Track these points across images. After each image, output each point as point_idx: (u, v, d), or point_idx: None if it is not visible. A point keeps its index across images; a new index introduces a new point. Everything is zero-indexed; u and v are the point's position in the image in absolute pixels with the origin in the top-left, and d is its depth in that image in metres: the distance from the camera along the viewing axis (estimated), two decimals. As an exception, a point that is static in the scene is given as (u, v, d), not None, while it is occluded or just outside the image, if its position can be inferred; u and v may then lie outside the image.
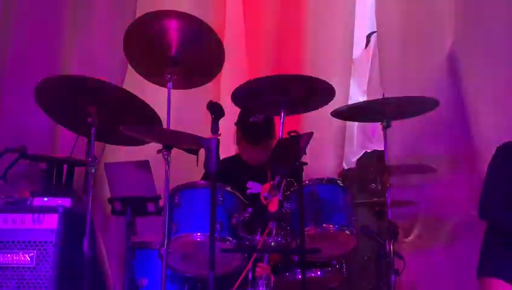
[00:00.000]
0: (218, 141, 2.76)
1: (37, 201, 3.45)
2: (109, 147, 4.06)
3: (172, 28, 3.25)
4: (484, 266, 3.38)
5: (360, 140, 4.63)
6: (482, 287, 3.38)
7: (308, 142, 2.95)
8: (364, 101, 4.17)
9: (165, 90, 3.29)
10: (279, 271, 3.23)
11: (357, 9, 4.54)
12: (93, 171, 3.13)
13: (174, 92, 3.30)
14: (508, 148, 3.43)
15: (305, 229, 2.96)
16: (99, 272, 3.72)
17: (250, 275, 3.06)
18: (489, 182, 3.40)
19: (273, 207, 3.00)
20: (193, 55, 3.32)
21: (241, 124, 3.71)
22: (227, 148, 3.81)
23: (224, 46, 3.40)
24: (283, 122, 3.23)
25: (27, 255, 3.28)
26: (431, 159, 3.86)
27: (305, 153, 2.99)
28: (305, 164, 2.99)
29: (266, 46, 4.60)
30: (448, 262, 4.08)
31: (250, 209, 3.13)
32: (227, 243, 3.03)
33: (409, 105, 3.45)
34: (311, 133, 2.94)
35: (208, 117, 2.86)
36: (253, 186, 3.69)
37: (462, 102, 4.05)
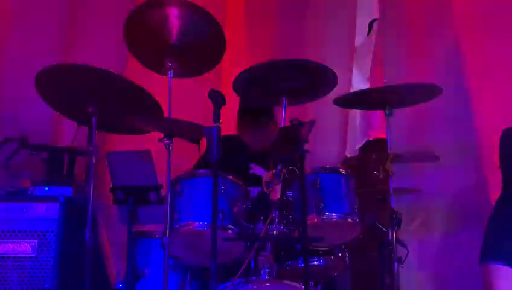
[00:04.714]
0: (219, 129, 2.75)
1: (38, 190, 3.45)
2: (110, 136, 4.05)
3: (173, 15, 3.24)
4: (487, 252, 3.38)
5: (362, 128, 4.61)
6: (484, 273, 3.37)
7: (310, 131, 2.94)
8: (366, 89, 4.14)
9: (166, 79, 3.28)
10: (282, 260, 3.22)
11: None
12: (94, 160, 3.12)
13: (175, 80, 3.29)
14: None
15: (308, 218, 2.95)
16: (101, 262, 3.72)
17: (252, 264, 3.07)
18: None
19: (275, 195, 2.99)
20: (194, 43, 3.31)
21: (241, 109, 3.79)
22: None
23: (225, 35, 3.38)
24: (285, 110, 3.22)
25: (28, 245, 3.28)
26: (434, 146, 3.85)
27: (308, 142, 2.98)
28: (307, 151, 2.97)
29: (267, 34, 4.59)
30: (451, 250, 4.07)
31: (252, 195, 3.13)
32: (229, 231, 3.01)
33: (412, 92, 3.43)
34: (314, 121, 2.92)
35: (209, 106, 2.84)
36: (255, 168, 3.71)
37: (466, 89, 4.03)
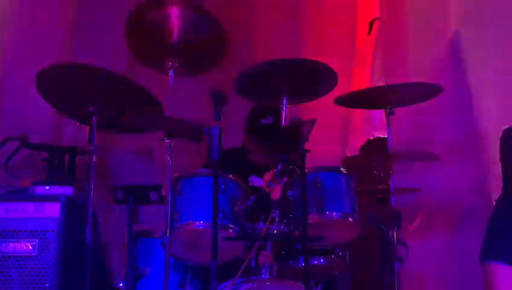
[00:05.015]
0: (220, 129, 2.75)
1: (39, 190, 3.45)
2: (111, 136, 4.05)
3: (174, 15, 3.24)
4: (487, 251, 3.37)
5: (363, 127, 4.61)
6: (485, 272, 3.37)
7: (310, 130, 2.94)
8: (367, 88, 4.14)
9: (166, 77, 3.28)
10: (282, 259, 3.22)
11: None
12: (95, 159, 3.12)
13: (175, 79, 3.29)
14: None
15: (308, 217, 2.95)
16: (102, 261, 3.72)
17: (253, 263, 3.07)
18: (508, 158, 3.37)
19: (275, 195, 2.99)
20: (195, 42, 3.31)
21: (251, 123, 3.74)
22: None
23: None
24: (285, 109, 3.21)
25: (29, 244, 3.28)
26: (434, 146, 3.85)
27: (308, 141, 2.98)
28: (308, 151, 2.97)
29: (268, 35, 4.59)
30: (452, 249, 4.07)
31: (252, 197, 3.13)
32: (230, 231, 3.02)
33: (412, 91, 3.43)
34: (314, 120, 2.92)
35: (210, 105, 2.84)
36: (254, 180, 3.71)
37: (466, 88, 4.03)
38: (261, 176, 3.66)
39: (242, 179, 3.30)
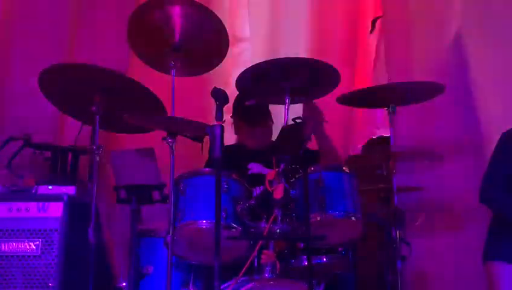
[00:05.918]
0: (222, 128, 2.75)
1: (42, 189, 3.46)
2: (114, 135, 4.05)
3: (176, 14, 3.24)
4: (490, 250, 3.38)
5: (365, 126, 4.61)
6: (487, 272, 3.37)
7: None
8: (369, 87, 4.14)
9: (169, 77, 3.28)
10: (285, 258, 3.22)
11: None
12: (97, 159, 3.13)
13: (178, 79, 3.29)
14: None
15: (311, 216, 2.95)
16: (105, 260, 3.73)
17: (255, 262, 3.07)
18: (491, 165, 3.40)
19: (278, 194, 2.99)
20: (197, 41, 3.31)
21: (237, 110, 3.75)
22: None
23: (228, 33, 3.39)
24: (288, 108, 3.22)
25: (32, 244, 3.29)
26: (437, 145, 3.85)
27: (310, 140, 2.98)
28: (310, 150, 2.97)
29: (269, 34, 4.59)
30: (455, 248, 4.07)
31: (255, 194, 3.13)
32: (233, 230, 3.02)
33: (415, 90, 3.43)
34: (316, 120, 2.93)
35: (212, 104, 2.85)
36: (253, 167, 3.71)
37: (469, 87, 4.02)
38: (259, 161, 3.68)
39: (242, 169, 3.29)
